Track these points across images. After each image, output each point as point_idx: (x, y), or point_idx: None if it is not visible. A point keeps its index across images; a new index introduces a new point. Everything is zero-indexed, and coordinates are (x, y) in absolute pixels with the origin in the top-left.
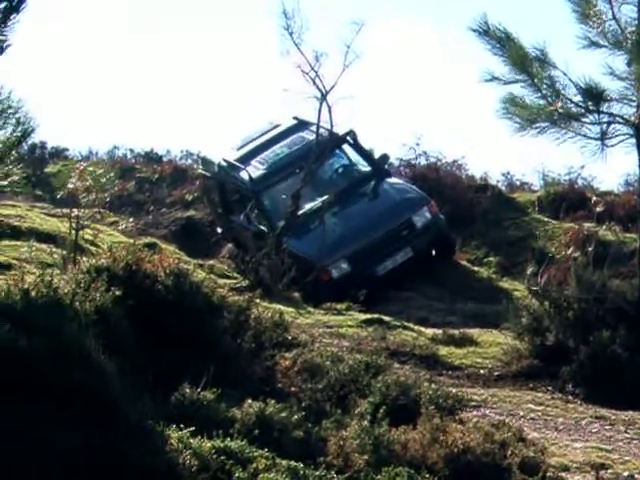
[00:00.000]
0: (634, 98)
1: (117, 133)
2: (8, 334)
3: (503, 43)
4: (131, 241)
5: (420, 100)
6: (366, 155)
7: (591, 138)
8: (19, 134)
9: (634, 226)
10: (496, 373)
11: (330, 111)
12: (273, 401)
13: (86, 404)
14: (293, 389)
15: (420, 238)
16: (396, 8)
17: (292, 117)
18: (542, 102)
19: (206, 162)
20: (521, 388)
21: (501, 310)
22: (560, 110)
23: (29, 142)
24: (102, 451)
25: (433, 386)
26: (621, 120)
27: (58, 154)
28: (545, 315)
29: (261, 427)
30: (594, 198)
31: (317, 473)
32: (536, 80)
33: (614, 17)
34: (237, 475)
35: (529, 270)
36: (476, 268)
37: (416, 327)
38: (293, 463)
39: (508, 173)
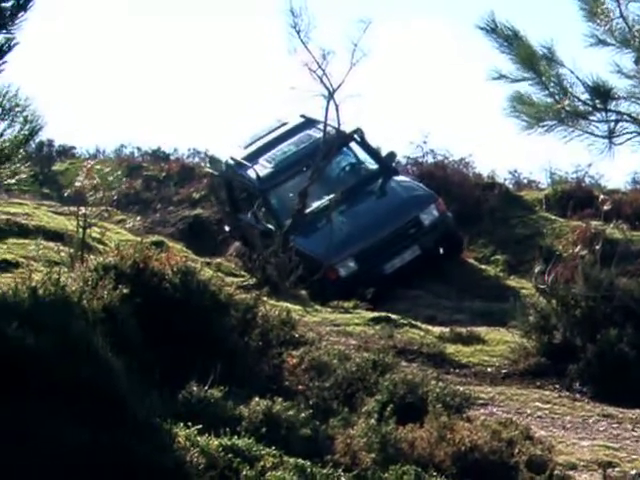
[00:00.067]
0: None
1: (124, 131)
2: (16, 332)
3: (511, 41)
4: (138, 239)
5: (427, 98)
6: (373, 153)
7: (598, 136)
8: (26, 132)
9: None
10: (503, 371)
11: (337, 109)
12: (280, 399)
13: (93, 401)
14: (300, 387)
15: (428, 236)
16: (401, 6)
17: (299, 115)
18: (549, 100)
19: (213, 160)
20: (528, 386)
21: (508, 308)
22: (567, 108)
23: (36, 140)
24: (109, 448)
25: (440, 384)
26: (629, 118)
27: (65, 152)
28: (552, 313)
29: (268, 425)
30: (601, 196)
31: (324, 471)
32: (543, 78)
33: (622, 15)
34: (244, 473)
35: (536, 268)
36: (483, 266)
37: (423, 325)
38: (300, 461)
39: (515, 171)
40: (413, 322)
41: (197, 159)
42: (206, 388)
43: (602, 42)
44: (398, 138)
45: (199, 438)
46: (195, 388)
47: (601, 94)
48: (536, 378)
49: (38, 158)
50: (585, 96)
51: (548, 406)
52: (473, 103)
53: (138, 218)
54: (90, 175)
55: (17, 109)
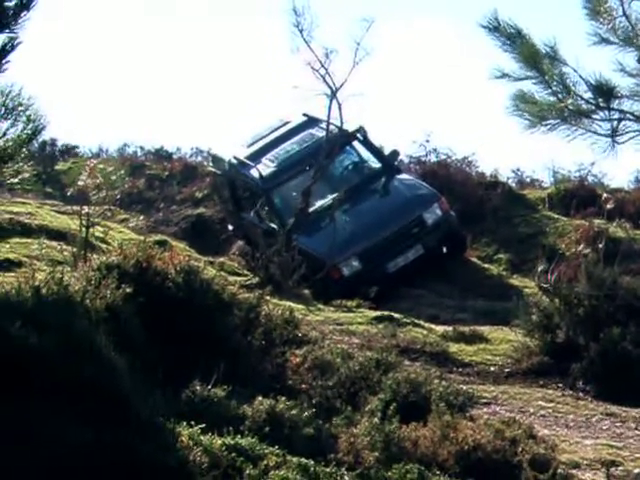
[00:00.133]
0: None
1: (127, 130)
2: (19, 331)
3: (513, 39)
4: (141, 238)
5: (430, 97)
6: (376, 152)
7: (601, 135)
8: (29, 131)
9: None
10: (506, 370)
11: (340, 108)
12: (283, 398)
13: (97, 400)
14: (303, 386)
15: (431, 235)
16: (404, 5)
17: (302, 114)
18: (552, 99)
19: (216, 159)
20: (531, 385)
21: (511, 307)
22: (570, 107)
23: (39, 139)
24: (113, 447)
25: (443, 383)
26: (632, 117)
27: (68, 151)
28: (555, 312)
29: (271, 424)
30: (604, 195)
31: (328, 470)
32: (546, 77)
33: (624, 14)
34: (248, 472)
35: (539, 267)
36: (486, 265)
37: (426, 324)
38: (304, 460)
39: (518, 170)
40: (416, 321)
41: (200, 158)
42: (209, 387)
43: (605, 40)
44: (401, 137)
45: (202, 437)
46: (198, 387)
47: (604, 93)
48: (539, 377)
49: (41, 157)
50: (588, 95)
51: (551, 405)
52: (476, 102)
53: (141, 217)
54: (93, 174)
55: (20, 108)
